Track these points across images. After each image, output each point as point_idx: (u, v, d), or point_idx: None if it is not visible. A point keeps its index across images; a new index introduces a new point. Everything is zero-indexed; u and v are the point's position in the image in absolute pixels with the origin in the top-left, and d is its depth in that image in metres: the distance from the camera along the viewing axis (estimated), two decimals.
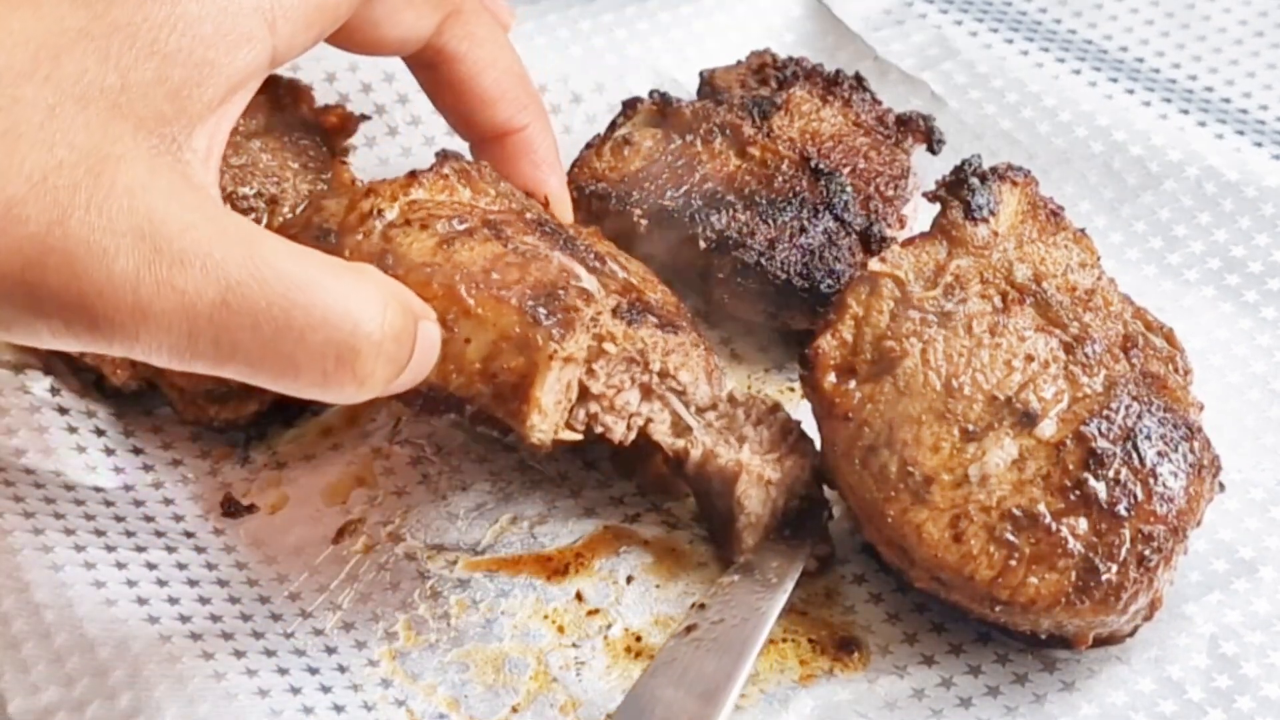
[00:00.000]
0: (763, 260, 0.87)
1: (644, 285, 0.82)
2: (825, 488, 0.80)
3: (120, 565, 0.78)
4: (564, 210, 0.83)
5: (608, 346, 0.76)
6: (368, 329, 0.63)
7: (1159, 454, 0.74)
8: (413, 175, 0.78)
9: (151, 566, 0.79)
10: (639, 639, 0.78)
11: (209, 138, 0.64)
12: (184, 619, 0.76)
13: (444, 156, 0.80)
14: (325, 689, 0.75)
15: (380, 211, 0.76)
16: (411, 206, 0.76)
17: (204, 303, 0.60)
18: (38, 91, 0.60)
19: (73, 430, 0.86)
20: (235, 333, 0.61)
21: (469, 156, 0.82)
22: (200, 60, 0.63)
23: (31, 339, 0.61)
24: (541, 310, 0.73)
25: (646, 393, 0.78)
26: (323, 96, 0.95)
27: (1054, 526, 0.73)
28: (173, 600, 0.77)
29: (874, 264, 0.80)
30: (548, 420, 0.74)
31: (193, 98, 0.63)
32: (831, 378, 0.78)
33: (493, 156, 0.81)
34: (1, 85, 0.60)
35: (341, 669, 0.76)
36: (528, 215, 0.79)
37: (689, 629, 0.75)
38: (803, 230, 0.89)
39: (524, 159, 0.81)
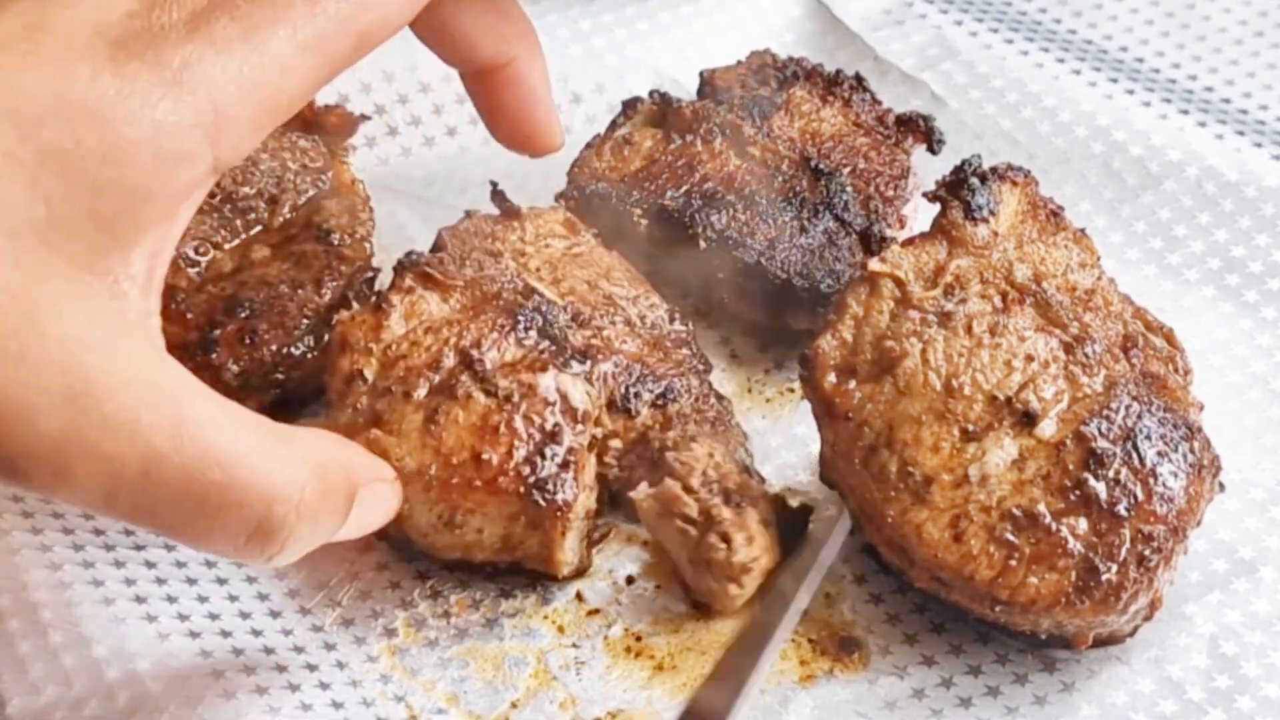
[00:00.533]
0: (763, 260, 0.87)
1: (638, 319, 0.82)
2: (825, 489, 0.80)
3: (119, 564, 0.78)
4: (549, 138, 0.80)
5: (613, 443, 0.79)
6: (280, 511, 0.61)
7: (1159, 454, 0.74)
8: (379, 307, 0.79)
9: (150, 565, 0.79)
10: (639, 639, 0.78)
11: (150, 258, 0.61)
12: (182, 617, 0.76)
13: (401, 267, 0.80)
14: (324, 685, 0.75)
15: (360, 372, 0.77)
16: (387, 358, 0.77)
17: (127, 471, 0.58)
18: None
19: None
20: (153, 502, 0.59)
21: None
22: (134, 188, 0.59)
23: None
24: (546, 489, 0.75)
25: (654, 466, 0.80)
26: (323, 96, 0.95)
27: (1054, 526, 0.73)
28: (171, 599, 0.77)
29: (874, 264, 0.80)
30: (575, 553, 0.78)
31: (128, 227, 0.59)
32: (831, 378, 0.77)
33: (480, 88, 0.79)
34: None
35: (340, 665, 0.76)
36: (503, 294, 0.80)
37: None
38: (803, 230, 0.88)
39: (508, 93, 0.78)
